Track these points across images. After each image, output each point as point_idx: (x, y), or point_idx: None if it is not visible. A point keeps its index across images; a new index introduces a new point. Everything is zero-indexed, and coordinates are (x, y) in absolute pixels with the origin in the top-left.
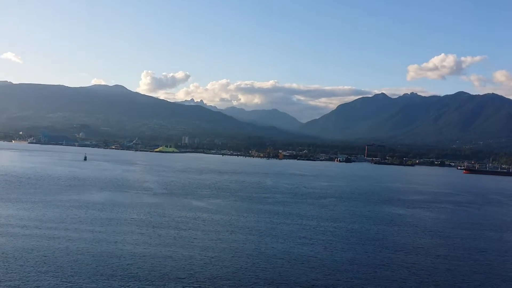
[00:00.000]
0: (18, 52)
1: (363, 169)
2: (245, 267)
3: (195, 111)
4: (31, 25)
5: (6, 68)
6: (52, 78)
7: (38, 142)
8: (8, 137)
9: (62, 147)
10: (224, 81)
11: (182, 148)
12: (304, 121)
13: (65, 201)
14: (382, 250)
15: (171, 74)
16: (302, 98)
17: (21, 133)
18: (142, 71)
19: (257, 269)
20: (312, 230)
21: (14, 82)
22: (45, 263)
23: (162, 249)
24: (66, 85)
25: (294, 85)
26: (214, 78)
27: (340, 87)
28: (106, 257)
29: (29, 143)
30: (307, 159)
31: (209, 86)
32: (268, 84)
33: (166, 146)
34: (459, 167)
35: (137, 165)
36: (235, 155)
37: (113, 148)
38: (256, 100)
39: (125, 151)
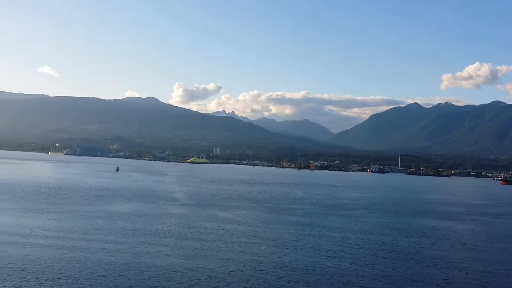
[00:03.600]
0: (54, 66)
1: (397, 180)
2: (266, 281)
3: (226, 122)
4: (67, 39)
5: (42, 82)
6: (87, 90)
7: (73, 153)
8: (45, 149)
9: (96, 158)
10: (255, 92)
11: (213, 159)
12: (335, 131)
13: (92, 212)
14: (413, 264)
15: (203, 86)
16: (333, 108)
17: (57, 144)
18: (174, 83)
19: (279, 283)
20: (339, 243)
21: (50, 95)
22: (61, 275)
23: (183, 261)
24: (100, 97)
25: (326, 96)
26: (245, 89)
27: (372, 97)
28: (125, 269)
29: (65, 154)
30: (339, 170)
31: (240, 97)
32: (299, 94)
33: (198, 157)
34: (496, 178)
35: (167, 176)
36: (266, 165)
37: (146, 159)
38: (287, 110)
39: (157, 162)
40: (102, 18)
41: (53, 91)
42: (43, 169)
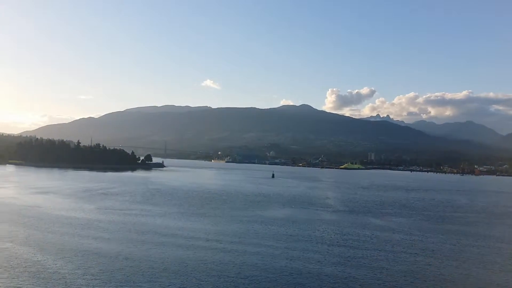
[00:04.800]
0: (216, 80)
1: None
2: None
3: (381, 127)
4: (227, 54)
5: (206, 95)
6: (245, 101)
7: (233, 161)
8: (208, 157)
9: (254, 165)
10: (411, 94)
11: (368, 164)
12: (504, 133)
13: (248, 217)
14: None
15: (356, 91)
16: (501, 108)
17: (219, 153)
18: (327, 90)
19: None
20: (508, 255)
21: (213, 107)
22: (220, 276)
23: (334, 268)
24: (257, 107)
25: (491, 94)
26: (401, 92)
27: None
28: (278, 274)
29: (226, 162)
30: (508, 175)
31: (395, 100)
32: (461, 94)
33: (352, 163)
34: None
35: (321, 182)
36: (424, 171)
37: (300, 166)
38: (448, 112)
39: (311, 168)
40: (258, 34)
41: (215, 103)
42: (207, 176)
